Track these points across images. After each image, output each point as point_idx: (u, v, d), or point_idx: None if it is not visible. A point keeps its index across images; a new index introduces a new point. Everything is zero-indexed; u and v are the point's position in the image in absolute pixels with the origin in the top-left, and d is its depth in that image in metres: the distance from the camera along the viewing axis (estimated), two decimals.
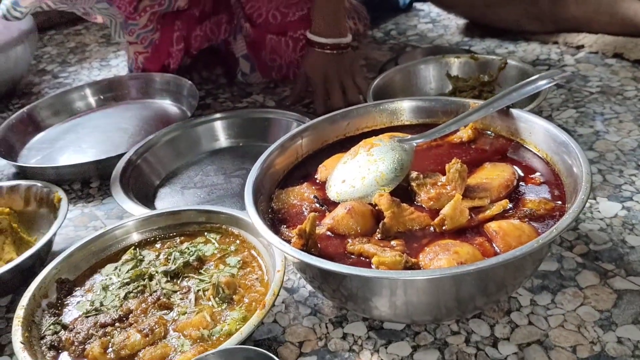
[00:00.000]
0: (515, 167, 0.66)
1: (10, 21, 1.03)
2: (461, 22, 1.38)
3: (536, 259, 0.56)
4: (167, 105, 1.14)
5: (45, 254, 0.74)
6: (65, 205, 0.77)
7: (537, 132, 0.67)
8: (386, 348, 0.59)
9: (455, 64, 0.98)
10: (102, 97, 1.17)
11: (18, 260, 0.69)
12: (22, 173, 0.98)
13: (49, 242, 0.73)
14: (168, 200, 0.87)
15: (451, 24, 1.39)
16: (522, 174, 0.65)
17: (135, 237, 0.72)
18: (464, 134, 0.72)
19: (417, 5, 1.54)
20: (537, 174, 0.64)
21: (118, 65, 1.44)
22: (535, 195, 0.61)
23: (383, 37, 1.39)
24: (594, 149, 0.85)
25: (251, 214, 0.60)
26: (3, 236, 0.76)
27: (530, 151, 0.68)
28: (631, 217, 0.72)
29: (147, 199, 0.87)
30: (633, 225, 0.70)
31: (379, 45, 1.35)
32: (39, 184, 0.83)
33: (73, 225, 0.86)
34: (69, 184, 0.95)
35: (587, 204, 0.74)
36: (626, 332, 0.57)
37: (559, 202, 0.59)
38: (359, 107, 0.77)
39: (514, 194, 0.62)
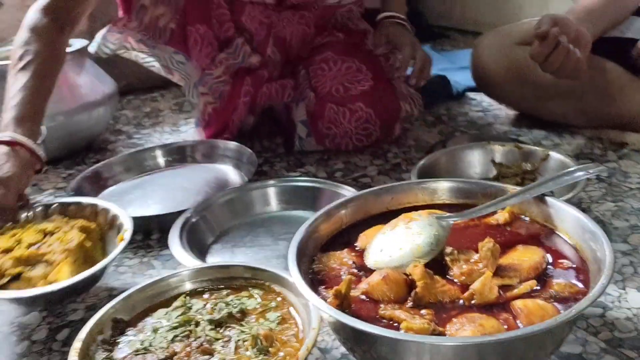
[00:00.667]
0: (545, 251, 0.69)
1: (100, 56, 1.17)
2: (511, 112, 1.44)
3: (556, 337, 0.59)
4: (228, 169, 1.23)
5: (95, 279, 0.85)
6: (127, 238, 0.87)
7: (568, 220, 0.71)
8: None
9: (500, 151, 1.03)
10: (170, 158, 1.28)
11: (68, 281, 0.80)
12: None
13: (103, 269, 0.84)
14: (219, 255, 0.94)
15: (501, 114, 1.45)
16: (551, 259, 0.68)
17: (187, 286, 0.78)
18: (501, 216, 0.76)
19: (471, 94, 1.62)
20: (565, 259, 0.67)
21: (187, 132, 1.56)
22: (561, 279, 0.64)
23: (434, 121, 1.46)
24: (628, 242, 0.88)
25: (293, 273, 0.65)
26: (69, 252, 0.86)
27: (561, 238, 0.71)
28: None
29: (200, 253, 0.94)
30: None
31: (429, 128, 1.42)
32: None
33: (131, 272, 0.94)
34: (133, 235, 1.03)
35: (617, 294, 0.77)
36: None
37: (584, 287, 0.62)
38: (402, 183, 0.83)
39: (542, 276, 0.65)
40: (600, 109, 1.18)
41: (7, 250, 0.86)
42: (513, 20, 1.54)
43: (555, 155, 0.99)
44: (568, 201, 0.86)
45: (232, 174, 1.22)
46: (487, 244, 0.65)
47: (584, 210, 0.96)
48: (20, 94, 0.96)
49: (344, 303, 0.63)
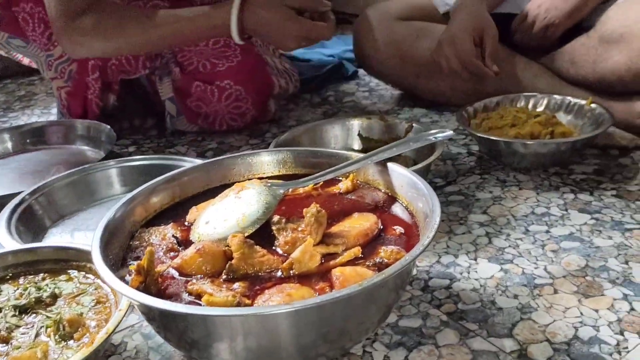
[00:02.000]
0: (382, 219, 0.65)
1: None
2: (396, 92, 1.41)
3: (375, 305, 0.54)
4: (86, 150, 1.14)
5: None
6: None
7: (405, 185, 0.67)
8: None
9: (365, 125, 0.99)
10: (22, 142, 1.17)
11: None
12: None
13: None
14: (54, 239, 0.85)
15: (386, 94, 1.42)
16: (384, 225, 0.64)
17: None
18: (343, 185, 0.72)
19: (361, 75, 1.58)
20: (399, 225, 0.63)
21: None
22: (390, 245, 0.60)
23: (320, 102, 1.41)
24: (488, 212, 0.85)
25: (93, 249, 0.58)
26: None
27: (401, 204, 0.67)
28: (507, 279, 0.70)
29: (35, 237, 0.85)
30: (506, 287, 0.69)
31: (314, 108, 1.37)
32: None
33: None
34: None
35: (467, 264, 0.74)
36: None
37: None
38: (247, 153, 0.77)
39: (372, 244, 0.61)
40: (478, 85, 1.16)
41: None
42: None
43: (418, 127, 0.96)
44: (425, 167, 0.84)
45: (91, 155, 1.12)
46: (310, 210, 0.60)
47: (449, 183, 0.95)
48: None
49: (147, 280, 0.56)
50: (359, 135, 1.00)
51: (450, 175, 0.98)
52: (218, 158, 0.76)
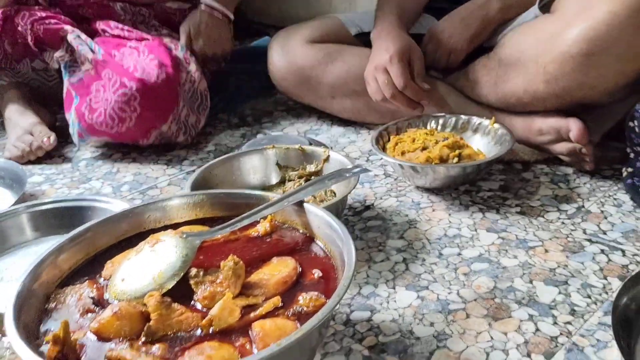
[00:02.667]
0: (301, 262, 0.66)
1: None
2: (314, 110, 1.43)
3: (296, 354, 0.55)
4: None
5: None
6: None
7: (322, 225, 0.69)
8: None
9: (283, 154, 1.00)
10: None
11: None
12: None
13: None
14: None
15: (304, 112, 1.44)
16: (303, 269, 0.65)
17: None
18: (262, 227, 0.73)
19: (279, 93, 1.59)
20: (318, 269, 0.65)
21: None
22: (309, 292, 0.61)
23: (238, 123, 1.41)
24: (404, 237, 0.89)
25: (7, 323, 0.55)
26: None
27: (318, 245, 0.69)
28: (423, 306, 0.74)
29: None
30: (423, 315, 0.72)
31: (232, 130, 1.37)
32: None
33: None
34: None
35: (386, 294, 0.76)
36: None
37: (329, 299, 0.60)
38: (161, 200, 0.76)
39: (292, 290, 0.62)
40: (386, 105, 1.19)
41: None
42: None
43: (335, 155, 0.97)
44: (341, 201, 0.86)
45: (2, 196, 1.07)
46: (227, 263, 0.60)
47: (367, 207, 0.97)
48: None
49: (64, 348, 0.54)
50: (277, 164, 1.01)
51: (368, 198, 1.01)
52: (130, 208, 0.75)
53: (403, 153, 1.01)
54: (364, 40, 1.28)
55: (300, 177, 0.99)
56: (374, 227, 0.92)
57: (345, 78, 1.26)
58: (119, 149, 1.29)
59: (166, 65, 1.19)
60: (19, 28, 1.23)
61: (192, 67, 1.27)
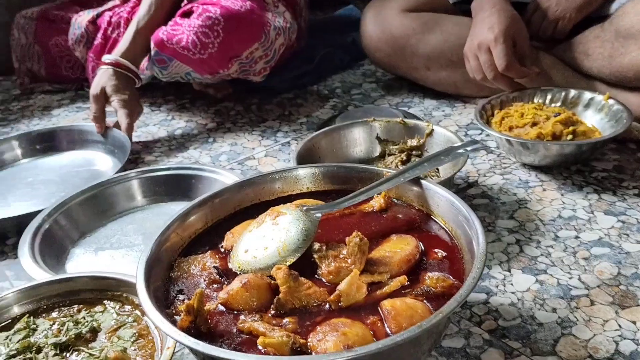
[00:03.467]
0: (420, 240, 0.64)
1: None
2: (405, 81, 1.40)
3: (427, 340, 0.54)
4: (99, 156, 1.12)
5: None
6: None
7: (443, 204, 0.67)
8: None
9: (384, 128, 0.98)
10: (32, 148, 1.15)
11: None
12: None
13: None
14: (80, 262, 0.84)
15: (394, 85, 1.40)
16: (425, 247, 0.63)
17: (30, 305, 0.69)
18: (376, 202, 0.71)
19: (366, 63, 1.56)
20: (440, 248, 0.63)
21: (59, 115, 1.42)
22: (434, 272, 0.60)
23: (327, 95, 1.40)
24: (515, 217, 0.85)
25: (139, 288, 0.57)
26: None
27: (437, 223, 0.67)
28: (543, 291, 0.71)
29: (58, 262, 0.84)
30: (544, 301, 0.69)
31: (322, 102, 1.36)
32: None
33: None
34: None
35: (501, 276, 0.74)
36: None
37: (457, 280, 0.58)
38: (275, 171, 0.76)
39: (415, 269, 0.61)
40: (485, 84, 1.15)
41: None
42: None
43: (439, 129, 0.95)
44: (448, 180, 0.83)
45: (104, 162, 1.11)
46: (354, 239, 0.59)
47: (471, 185, 0.94)
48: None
49: (197, 319, 0.55)
50: (377, 138, 0.99)
51: (471, 175, 0.98)
52: (248, 178, 0.75)
53: (510, 128, 0.97)
54: (462, 9, 1.23)
55: (401, 152, 0.97)
56: (481, 206, 0.89)
57: (442, 49, 1.22)
58: (213, 119, 1.30)
59: (252, 2, 1.19)
60: None
61: (279, 21, 1.24)
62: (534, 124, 0.95)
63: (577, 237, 0.80)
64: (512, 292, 0.71)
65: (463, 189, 0.94)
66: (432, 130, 0.95)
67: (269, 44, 1.19)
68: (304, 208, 0.67)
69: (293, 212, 0.66)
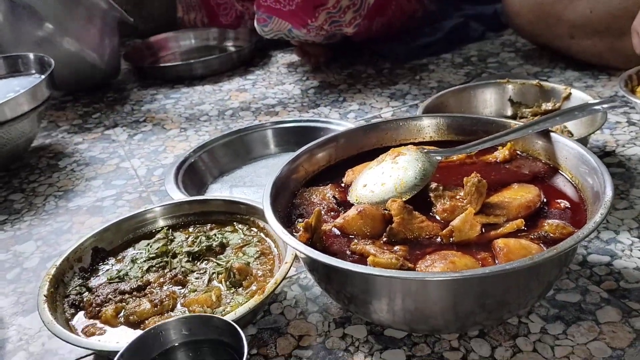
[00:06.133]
0: (543, 190, 0.63)
1: None
2: (545, 52, 1.34)
3: (540, 279, 0.53)
4: None
5: None
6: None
7: (571, 156, 0.64)
8: (381, 353, 0.59)
9: (518, 89, 0.96)
10: None
11: None
12: None
13: None
14: (216, 194, 0.92)
15: (534, 54, 1.35)
16: (547, 198, 0.62)
17: (170, 220, 0.77)
18: (500, 154, 0.71)
19: (506, 34, 1.51)
20: (564, 199, 0.61)
21: None
22: (555, 220, 0.58)
23: (461, 62, 1.38)
24: None
25: (265, 206, 0.62)
26: None
27: (563, 176, 0.65)
28: None
29: (198, 192, 0.92)
30: None
31: (456, 69, 1.34)
32: None
33: (129, 206, 0.93)
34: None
35: (629, 242, 0.70)
36: None
37: (577, 229, 0.57)
38: (399, 118, 0.78)
39: (535, 216, 0.60)
40: None
41: None
42: None
43: (578, 93, 0.90)
44: (582, 140, 0.80)
45: None
46: (472, 179, 0.60)
47: (607, 154, 0.90)
48: None
49: (314, 237, 0.59)
50: (510, 100, 0.96)
51: (608, 144, 0.92)
52: (373, 122, 0.78)
53: None
54: None
55: (534, 115, 0.93)
56: (616, 175, 0.84)
57: (590, 16, 1.15)
58: (345, 80, 1.34)
59: None
60: None
61: None
62: None
63: None
64: (639, 258, 0.67)
65: (599, 157, 0.89)
66: (570, 94, 0.91)
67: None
68: (425, 150, 0.69)
69: (413, 152, 0.68)
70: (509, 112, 0.96)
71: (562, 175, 0.66)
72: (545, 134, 0.68)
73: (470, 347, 0.58)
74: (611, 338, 0.57)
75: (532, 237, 0.57)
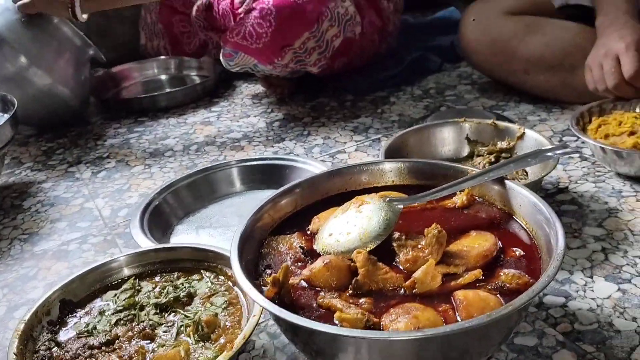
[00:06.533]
0: (499, 238, 0.66)
1: None
2: (500, 85, 1.39)
3: (497, 332, 0.56)
4: None
5: None
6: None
7: (526, 204, 0.67)
8: None
9: (474, 129, 0.99)
10: None
11: None
12: None
13: None
14: (182, 237, 0.93)
15: (490, 87, 1.40)
16: (503, 245, 0.65)
17: (136, 269, 0.77)
18: (459, 199, 0.73)
19: (462, 65, 1.56)
20: (519, 247, 0.64)
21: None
22: (511, 269, 0.61)
23: (421, 95, 1.42)
24: (603, 226, 0.84)
25: (232, 260, 0.63)
26: None
27: (518, 223, 0.68)
28: (625, 300, 0.70)
29: (163, 235, 0.92)
30: (624, 309, 0.69)
31: (415, 102, 1.38)
32: None
33: (94, 250, 0.93)
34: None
35: (582, 282, 0.74)
36: None
37: (532, 278, 0.59)
38: (362, 163, 0.80)
39: (492, 265, 0.63)
40: (604, 95, 1.11)
41: None
42: None
43: (531, 133, 0.94)
44: (536, 183, 0.83)
45: None
46: (432, 231, 0.62)
47: (561, 190, 0.94)
48: None
49: (282, 291, 0.60)
50: (467, 138, 1.00)
51: (561, 181, 0.97)
52: (337, 167, 0.80)
53: (607, 136, 0.95)
54: (567, 13, 1.21)
55: (490, 153, 0.97)
56: (569, 212, 0.88)
57: (543, 52, 1.20)
58: (309, 113, 1.36)
59: None
60: None
61: (338, 12, 1.28)
62: (632, 133, 0.93)
63: None
64: (592, 299, 0.71)
65: (552, 194, 0.94)
66: (524, 133, 0.95)
67: (319, 34, 1.26)
68: (387, 199, 0.71)
69: (376, 201, 0.70)
70: (466, 150, 1.00)
71: (517, 221, 0.69)
72: (500, 181, 0.71)
73: None
74: None
75: (490, 287, 0.59)
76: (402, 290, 0.60)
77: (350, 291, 0.61)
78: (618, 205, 0.88)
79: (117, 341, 0.66)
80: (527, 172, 0.91)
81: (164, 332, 0.67)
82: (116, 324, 0.69)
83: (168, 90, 1.54)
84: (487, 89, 1.39)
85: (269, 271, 0.66)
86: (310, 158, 1.11)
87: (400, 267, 0.63)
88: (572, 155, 0.75)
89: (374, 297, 0.60)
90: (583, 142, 1.07)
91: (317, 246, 0.68)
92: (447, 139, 1.00)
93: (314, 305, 0.60)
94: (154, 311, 0.70)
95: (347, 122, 1.30)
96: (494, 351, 0.62)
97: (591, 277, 0.74)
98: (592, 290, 0.72)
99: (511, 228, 0.68)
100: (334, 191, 0.79)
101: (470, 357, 0.58)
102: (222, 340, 0.65)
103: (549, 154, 0.75)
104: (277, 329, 0.71)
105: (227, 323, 0.67)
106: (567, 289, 0.73)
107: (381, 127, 1.26)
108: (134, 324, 0.68)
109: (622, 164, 0.92)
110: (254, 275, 0.65)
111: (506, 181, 0.71)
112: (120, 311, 0.70)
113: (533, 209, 0.66)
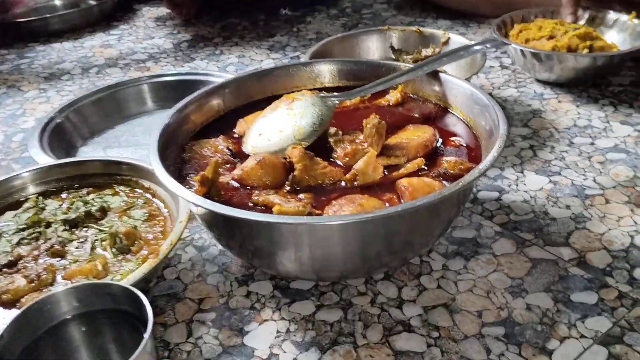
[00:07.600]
0: (437, 129, 0.63)
1: None
2: (416, 2, 1.36)
3: (442, 216, 0.54)
4: None
5: None
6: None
7: (461, 95, 0.65)
8: (289, 306, 0.57)
9: (399, 36, 0.96)
10: None
11: None
12: None
13: None
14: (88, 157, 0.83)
15: (406, 5, 1.37)
16: (441, 137, 0.62)
17: (39, 187, 0.68)
18: (392, 97, 0.70)
19: None
20: (457, 137, 0.62)
21: None
22: (452, 157, 0.59)
23: (337, 14, 1.36)
24: (529, 125, 0.84)
25: (153, 161, 0.56)
26: None
27: (455, 116, 0.66)
28: (556, 190, 0.70)
29: (67, 156, 0.82)
30: (557, 198, 0.69)
31: (332, 20, 1.32)
32: None
33: None
34: None
35: (514, 177, 0.73)
36: (536, 299, 0.56)
37: (474, 164, 0.57)
38: (288, 65, 0.74)
39: (432, 155, 0.60)
40: None
41: None
42: None
43: (456, 37, 0.92)
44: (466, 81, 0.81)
45: None
46: (371, 121, 0.58)
47: None
48: None
49: (211, 191, 0.55)
50: (391, 47, 0.96)
51: (484, 88, 0.96)
52: (265, 68, 0.74)
53: (527, 41, 0.95)
54: None
55: (415, 62, 0.94)
56: None
57: None
58: (220, 33, 1.27)
59: None
60: None
61: None
62: (551, 37, 0.93)
63: (592, 144, 0.79)
64: (525, 191, 0.71)
65: None
66: (449, 38, 0.93)
67: None
68: (320, 95, 0.66)
69: (309, 98, 0.65)
70: (392, 59, 0.96)
71: (454, 114, 0.66)
72: (435, 75, 0.68)
73: (377, 290, 0.58)
74: (509, 269, 0.59)
75: (433, 175, 0.57)
76: (342, 184, 0.56)
77: (288, 187, 0.56)
78: (541, 107, 0.89)
79: (20, 262, 0.58)
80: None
81: (77, 248, 0.60)
82: (18, 244, 0.60)
83: (62, 12, 1.38)
84: (404, 6, 1.36)
85: (193, 175, 0.59)
86: (227, 73, 1.04)
87: (339, 162, 0.59)
88: (500, 47, 0.74)
89: (314, 192, 0.56)
90: (503, 52, 1.07)
91: (246, 147, 0.63)
92: (372, 48, 0.96)
93: (249, 204, 0.55)
94: (62, 227, 0.62)
95: (262, 41, 1.23)
96: (433, 243, 0.61)
97: (522, 172, 0.74)
98: (525, 184, 0.72)
99: (447, 121, 0.66)
100: (262, 95, 0.73)
101: (412, 248, 0.55)
102: (144, 252, 0.58)
103: (478, 47, 0.73)
104: (205, 242, 0.66)
105: (148, 235, 0.61)
106: (500, 184, 0.72)
107: (299, 44, 1.20)
108: (40, 242, 0.60)
109: (541, 68, 0.92)
110: (179, 181, 0.59)
111: (441, 74, 0.68)
112: (23, 230, 0.62)
113: (470, 100, 0.64)
